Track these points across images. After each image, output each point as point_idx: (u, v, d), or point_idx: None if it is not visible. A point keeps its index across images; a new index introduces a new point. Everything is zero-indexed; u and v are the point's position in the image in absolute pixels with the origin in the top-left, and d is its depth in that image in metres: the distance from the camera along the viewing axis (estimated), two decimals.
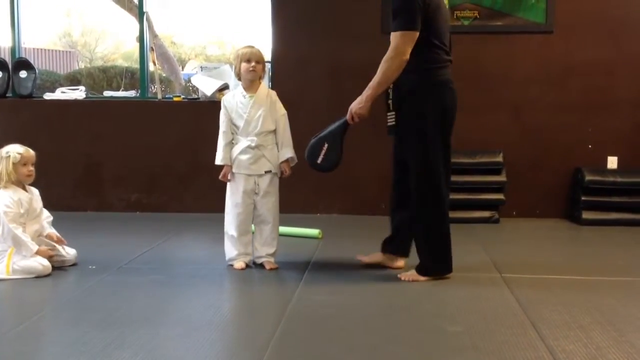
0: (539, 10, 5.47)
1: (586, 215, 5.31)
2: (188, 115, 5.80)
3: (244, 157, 3.87)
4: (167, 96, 6.07)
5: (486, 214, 5.38)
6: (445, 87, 3.58)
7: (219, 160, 3.94)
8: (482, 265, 3.94)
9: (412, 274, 3.67)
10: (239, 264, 3.87)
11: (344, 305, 3.23)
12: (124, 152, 5.78)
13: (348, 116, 3.65)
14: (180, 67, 8.24)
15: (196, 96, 6.03)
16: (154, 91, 6.18)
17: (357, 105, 3.62)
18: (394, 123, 3.64)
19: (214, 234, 4.93)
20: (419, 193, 3.59)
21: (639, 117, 5.51)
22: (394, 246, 3.87)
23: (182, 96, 6.02)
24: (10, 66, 5.95)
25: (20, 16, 6.07)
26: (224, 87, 5.80)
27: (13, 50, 6.09)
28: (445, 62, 3.59)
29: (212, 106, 5.75)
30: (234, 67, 3.93)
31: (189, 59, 14.52)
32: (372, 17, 5.54)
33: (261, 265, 3.91)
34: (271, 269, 3.86)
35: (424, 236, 3.64)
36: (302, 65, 5.60)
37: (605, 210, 5.32)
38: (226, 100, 3.96)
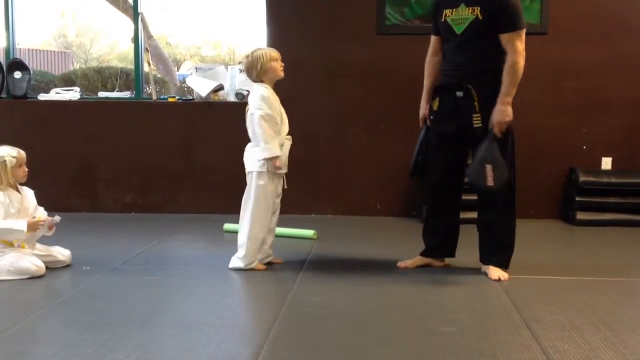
0: (534, 11, 5.48)
1: (580, 215, 5.33)
2: (183, 116, 5.80)
3: (284, 156, 3.88)
4: (162, 97, 6.07)
5: None
6: None
7: (275, 151, 3.75)
8: (476, 266, 3.94)
9: (500, 273, 3.70)
10: (262, 265, 3.90)
11: (338, 307, 3.23)
12: (119, 153, 5.77)
13: (496, 130, 3.58)
14: (175, 68, 8.25)
15: (191, 97, 6.02)
16: (148, 92, 6.17)
17: (501, 116, 3.56)
18: (480, 125, 3.62)
19: (208, 234, 4.93)
20: (506, 195, 3.68)
21: (633, 118, 5.53)
22: (446, 251, 3.94)
23: (177, 97, 6.01)
24: (4, 67, 5.93)
25: (14, 16, 6.06)
26: (219, 88, 5.79)
27: (7, 51, 6.07)
28: None
29: (207, 107, 5.76)
30: (257, 67, 3.77)
31: (184, 60, 14.48)
32: (368, 18, 5.54)
33: (268, 264, 3.97)
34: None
35: (510, 235, 3.75)
36: (298, 67, 5.58)
37: (599, 210, 5.34)
38: (266, 93, 3.79)
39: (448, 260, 3.96)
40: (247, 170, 3.87)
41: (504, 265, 3.75)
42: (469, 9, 3.58)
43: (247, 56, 3.85)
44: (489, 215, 3.75)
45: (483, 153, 3.57)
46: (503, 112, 3.55)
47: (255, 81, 3.84)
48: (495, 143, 3.56)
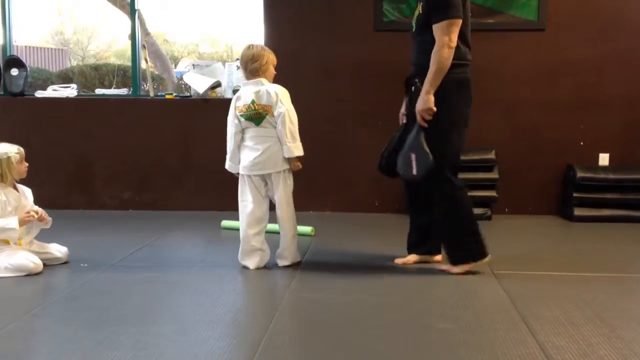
0: (531, 8, 5.48)
1: (578, 212, 5.34)
2: (180, 113, 5.79)
3: None
4: (159, 94, 6.06)
5: (478, 211, 5.35)
6: (465, 85, 3.64)
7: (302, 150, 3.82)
8: None
9: (448, 265, 3.74)
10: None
11: (336, 303, 3.23)
12: (116, 150, 5.76)
13: (418, 118, 3.58)
14: (173, 65, 8.23)
15: (188, 94, 6.02)
16: (146, 89, 6.16)
17: (421, 105, 3.55)
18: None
19: (206, 231, 4.93)
20: (441, 186, 3.65)
21: (630, 114, 5.54)
22: (428, 247, 3.93)
23: (175, 94, 6.01)
24: (1, 64, 5.92)
25: (11, 13, 6.04)
26: (216, 85, 5.79)
27: (4, 48, 6.06)
28: (468, 60, 3.64)
29: (204, 104, 5.75)
30: (262, 62, 3.76)
31: (182, 57, 14.46)
32: (365, 14, 5.54)
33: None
34: None
35: (452, 227, 3.70)
36: (295, 63, 5.58)
37: (596, 206, 5.34)
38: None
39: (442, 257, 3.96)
40: (276, 170, 3.78)
41: (458, 262, 3.71)
42: (419, 6, 3.66)
43: (254, 47, 3.79)
44: (435, 212, 3.76)
45: (409, 142, 3.63)
46: (423, 101, 3.54)
47: (252, 74, 3.77)
48: (420, 132, 3.58)
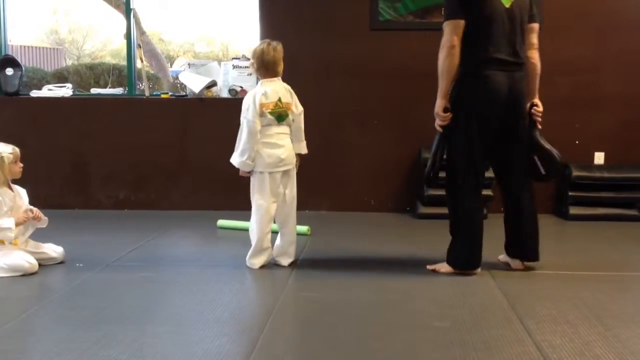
0: None
1: (573, 210, 5.35)
2: (176, 112, 5.78)
3: None
4: (154, 93, 6.05)
5: None
6: (472, 88, 3.54)
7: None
8: None
9: (438, 265, 3.74)
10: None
11: (332, 302, 3.23)
12: (112, 150, 5.75)
13: (436, 126, 3.59)
14: (168, 64, 8.21)
15: (184, 93, 6.01)
16: (141, 88, 6.16)
17: (435, 110, 3.56)
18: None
19: (202, 231, 4.93)
20: (445, 187, 3.70)
21: (626, 113, 5.55)
22: (515, 250, 3.84)
23: (170, 93, 6.00)
24: None
25: (6, 13, 6.03)
26: (212, 84, 5.78)
27: None
28: (482, 59, 3.51)
29: (200, 103, 5.75)
30: (281, 64, 3.87)
31: (177, 56, 14.44)
32: (361, 13, 5.54)
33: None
34: None
35: (450, 228, 3.73)
36: (291, 62, 5.53)
37: (592, 205, 5.35)
38: None
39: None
40: (293, 166, 3.88)
41: (451, 263, 3.71)
42: None
43: (280, 48, 3.84)
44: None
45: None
46: (436, 106, 3.57)
47: (276, 73, 3.83)
48: (438, 140, 3.62)
